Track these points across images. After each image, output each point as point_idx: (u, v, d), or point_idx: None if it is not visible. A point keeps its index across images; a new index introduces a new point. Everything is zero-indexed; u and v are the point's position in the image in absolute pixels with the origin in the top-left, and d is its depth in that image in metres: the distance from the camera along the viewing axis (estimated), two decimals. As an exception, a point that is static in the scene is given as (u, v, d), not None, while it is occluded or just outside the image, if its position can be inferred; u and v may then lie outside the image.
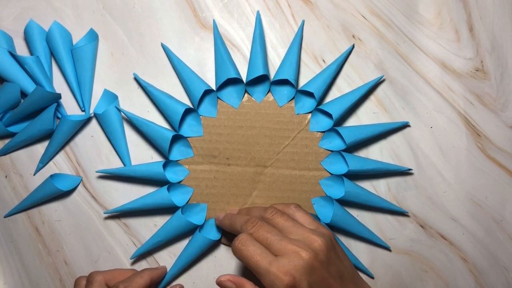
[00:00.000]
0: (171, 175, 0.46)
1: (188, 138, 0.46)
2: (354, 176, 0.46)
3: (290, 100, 0.46)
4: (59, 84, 0.47)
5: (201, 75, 0.46)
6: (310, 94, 0.45)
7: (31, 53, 0.46)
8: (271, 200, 0.46)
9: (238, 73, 0.45)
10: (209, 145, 0.46)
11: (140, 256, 0.47)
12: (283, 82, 0.45)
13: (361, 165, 0.45)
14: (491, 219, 0.47)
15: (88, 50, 0.46)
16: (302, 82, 0.47)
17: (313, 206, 0.46)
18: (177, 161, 0.46)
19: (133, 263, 0.48)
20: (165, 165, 0.45)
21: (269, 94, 0.46)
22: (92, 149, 0.47)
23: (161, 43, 0.47)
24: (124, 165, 0.47)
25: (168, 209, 0.46)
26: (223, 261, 0.47)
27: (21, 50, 0.47)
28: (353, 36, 0.47)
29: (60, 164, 0.47)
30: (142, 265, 0.48)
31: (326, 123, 0.46)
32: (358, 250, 0.47)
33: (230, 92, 0.46)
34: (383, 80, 0.47)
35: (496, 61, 0.47)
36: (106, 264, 0.47)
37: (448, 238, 0.47)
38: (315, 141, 0.46)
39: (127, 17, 0.47)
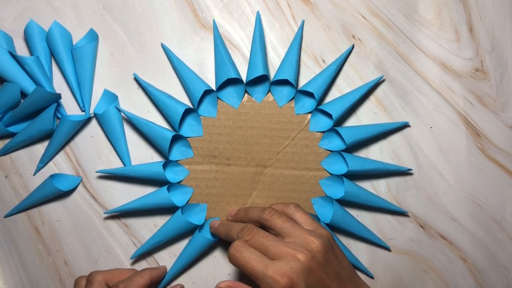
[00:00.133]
0: (171, 175, 0.46)
1: (188, 138, 0.46)
2: (354, 176, 0.46)
3: (290, 100, 0.46)
4: (59, 84, 0.47)
5: (201, 75, 0.46)
6: (310, 94, 0.45)
7: (31, 53, 0.46)
8: (271, 200, 0.46)
9: (238, 73, 0.45)
10: (209, 145, 0.46)
11: (140, 256, 0.47)
12: (283, 82, 0.45)
13: (361, 165, 0.45)
14: (491, 219, 0.47)
15: (88, 50, 0.46)
16: (302, 82, 0.47)
17: (313, 206, 0.46)
18: (177, 161, 0.46)
19: (133, 263, 0.48)
20: (165, 165, 0.45)
21: (269, 94, 0.46)
22: (92, 149, 0.47)
23: (161, 43, 0.47)
24: (124, 165, 0.47)
25: (168, 209, 0.46)
26: (223, 261, 0.47)
27: (21, 50, 0.47)
28: (353, 36, 0.47)
29: (60, 164, 0.47)
30: (142, 265, 0.48)
31: (326, 123, 0.46)
32: (358, 250, 0.47)
33: (230, 92, 0.46)
34: (383, 80, 0.47)
35: (496, 61, 0.47)
36: (106, 264, 0.47)
37: (448, 238, 0.47)
38: (315, 141, 0.46)
39: (127, 17, 0.47)
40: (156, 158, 0.47)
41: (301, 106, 0.46)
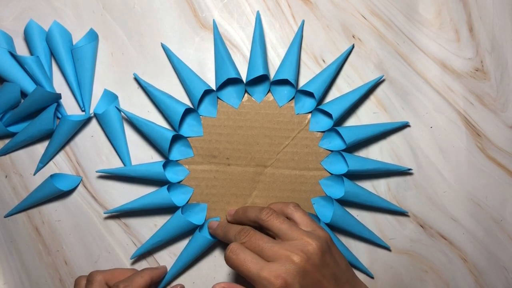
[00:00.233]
0: (171, 175, 0.46)
1: (188, 138, 0.46)
2: (354, 176, 0.46)
3: (290, 100, 0.46)
4: (59, 84, 0.47)
5: (201, 75, 0.46)
6: (310, 94, 0.45)
7: (31, 53, 0.46)
8: (271, 200, 0.46)
9: (238, 73, 0.45)
10: (209, 145, 0.46)
11: (140, 256, 0.47)
12: (283, 82, 0.45)
13: (361, 165, 0.45)
14: (491, 219, 0.47)
15: (88, 50, 0.46)
16: (302, 82, 0.47)
17: (313, 206, 0.46)
18: (177, 161, 0.46)
19: (133, 263, 0.48)
20: (165, 165, 0.45)
21: (269, 94, 0.46)
22: (92, 149, 0.47)
23: (161, 43, 0.47)
24: (124, 165, 0.47)
25: (168, 209, 0.46)
26: (223, 261, 0.47)
27: (21, 50, 0.47)
28: (353, 36, 0.47)
29: (60, 164, 0.47)
30: (142, 265, 0.48)
31: (326, 123, 0.46)
32: (358, 250, 0.47)
33: (230, 92, 0.46)
34: (383, 80, 0.47)
35: (496, 61, 0.47)
36: (106, 264, 0.47)
37: (448, 238, 0.47)
38: (315, 141, 0.46)
39: (127, 17, 0.47)
40: (156, 158, 0.47)
41: (301, 106, 0.46)
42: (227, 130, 0.46)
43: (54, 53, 0.46)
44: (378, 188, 0.47)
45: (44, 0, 0.47)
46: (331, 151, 0.46)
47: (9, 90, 0.44)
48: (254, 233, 0.38)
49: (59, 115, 0.47)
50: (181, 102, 0.46)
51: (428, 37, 0.47)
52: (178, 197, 0.45)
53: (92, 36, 0.47)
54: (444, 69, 0.47)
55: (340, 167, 0.45)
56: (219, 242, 0.47)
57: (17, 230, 0.48)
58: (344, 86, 0.47)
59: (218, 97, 0.46)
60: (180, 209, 0.45)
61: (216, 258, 0.47)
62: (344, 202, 0.46)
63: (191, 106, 0.46)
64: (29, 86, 0.46)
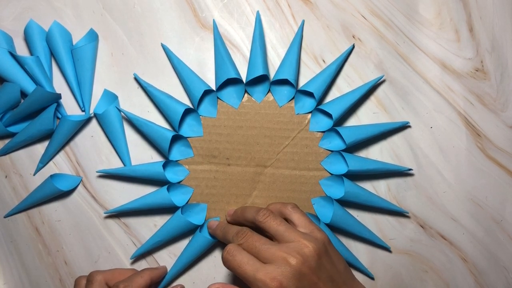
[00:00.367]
0: (171, 175, 0.46)
1: (188, 138, 0.46)
2: (354, 176, 0.46)
3: (290, 100, 0.46)
4: (59, 84, 0.47)
5: (201, 75, 0.46)
6: (310, 94, 0.45)
7: (31, 53, 0.46)
8: (271, 200, 0.46)
9: (238, 73, 0.45)
10: (209, 145, 0.46)
11: (140, 256, 0.47)
12: (283, 82, 0.45)
13: (361, 165, 0.45)
14: (491, 219, 0.47)
15: (88, 50, 0.46)
16: (302, 82, 0.47)
17: (313, 206, 0.46)
18: (177, 161, 0.46)
19: (133, 263, 0.48)
20: (165, 165, 0.45)
21: (269, 94, 0.46)
22: (92, 149, 0.47)
23: (161, 43, 0.47)
24: (124, 165, 0.47)
25: (168, 209, 0.46)
26: (223, 261, 0.47)
27: (21, 50, 0.47)
28: (353, 36, 0.47)
29: (60, 164, 0.47)
30: (142, 265, 0.48)
31: (326, 123, 0.46)
32: (358, 250, 0.47)
33: (230, 92, 0.46)
34: (383, 80, 0.47)
35: (496, 61, 0.47)
36: (106, 264, 0.47)
37: (448, 238, 0.47)
38: (315, 141, 0.46)
39: (127, 17, 0.47)
40: (156, 158, 0.47)
41: (301, 106, 0.46)
42: (227, 130, 0.46)
43: (54, 53, 0.46)
44: (378, 188, 0.47)
45: (44, 0, 0.47)
46: (331, 151, 0.46)
47: (9, 90, 0.44)
48: (251, 235, 0.38)
49: (59, 115, 0.47)
50: (181, 102, 0.46)
51: (428, 37, 0.47)
52: (178, 197, 0.45)
53: (92, 36, 0.47)
54: (444, 69, 0.47)
55: (340, 167, 0.45)
56: (219, 242, 0.47)
57: (17, 230, 0.48)
58: (344, 86, 0.47)
59: (218, 97, 0.46)
60: (180, 209, 0.45)
61: (216, 258, 0.47)
62: (344, 202, 0.46)
63: (191, 106, 0.46)
64: (29, 86, 0.46)
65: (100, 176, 0.47)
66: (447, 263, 0.47)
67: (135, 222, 0.47)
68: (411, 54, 0.47)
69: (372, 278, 0.47)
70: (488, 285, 0.47)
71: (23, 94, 0.46)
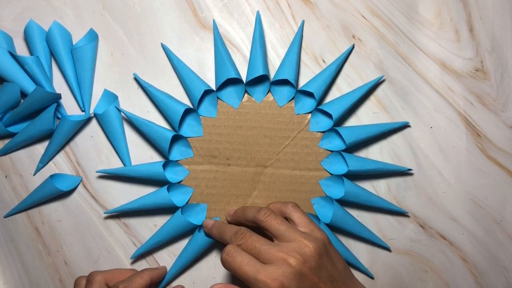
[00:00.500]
0: (171, 175, 0.46)
1: (188, 138, 0.46)
2: (354, 176, 0.46)
3: (290, 100, 0.46)
4: (59, 84, 0.47)
5: (201, 75, 0.46)
6: (310, 94, 0.45)
7: (31, 53, 0.46)
8: (271, 200, 0.46)
9: (238, 73, 0.45)
10: (209, 145, 0.46)
11: (140, 256, 0.47)
12: (283, 82, 0.45)
13: (361, 165, 0.45)
14: (491, 219, 0.47)
15: (88, 50, 0.46)
16: (302, 82, 0.47)
17: (313, 206, 0.46)
18: (177, 161, 0.46)
19: (133, 263, 0.48)
20: (165, 165, 0.45)
21: (269, 94, 0.46)
22: (92, 149, 0.47)
23: (161, 43, 0.47)
24: (124, 165, 0.47)
25: (168, 209, 0.46)
26: (223, 261, 0.47)
27: (21, 50, 0.47)
28: (353, 36, 0.47)
29: (60, 164, 0.47)
30: (142, 265, 0.48)
31: (326, 123, 0.46)
32: (358, 250, 0.47)
33: (230, 92, 0.46)
34: (383, 80, 0.47)
35: (496, 61, 0.47)
36: (106, 264, 0.47)
37: (448, 238, 0.47)
38: (315, 141, 0.46)
39: (127, 17, 0.47)
40: (156, 158, 0.47)
41: (301, 106, 0.46)
42: (227, 130, 0.46)
43: (54, 53, 0.46)
44: (378, 188, 0.47)
45: (44, 0, 0.47)
46: (331, 151, 0.46)
47: (9, 90, 0.44)
48: (251, 235, 0.38)
49: (59, 115, 0.47)
50: (181, 102, 0.46)
51: (428, 37, 0.47)
52: (178, 197, 0.45)
53: (92, 36, 0.47)
54: (444, 69, 0.47)
55: (340, 167, 0.45)
56: (219, 242, 0.47)
57: (17, 230, 0.48)
58: (344, 86, 0.47)
59: (218, 97, 0.46)
60: (180, 209, 0.45)
61: (216, 258, 0.47)
62: (344, 202, 0.46)
63: (191, 106, 0.46)
64: (29, 86, 0.46)
65: (100, 176, 0.47)
66: (447, 263, 0.47)
67: (135, 222, 0.47)
68: (411, 54, 0.47)
69: (372, 278, 0.47)
70: (488, 285, 0.47)
71: (23, 94, 0.46)
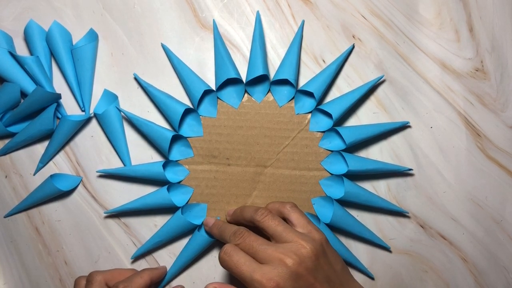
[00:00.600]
0: (171, 175, 0.46)
1: (188, 138, 0.46)
2: (354, 176, 0.46)
3: (290, 100, 0.46)
4: (59, 84, 0.47)
5: (201, 75, 0.46)
6: (310, 94, 0.45)
7: (31, 53, 0.46)
8: (271, 200, 0.46)
9: (238, 73, 0.45)
10: (209, 145, 0.46)
11: (140, 256, 0.47)
12: (283, 82, 0.45)
13: (361, 165, 0.45)
14: (491, 219, 0.47)
15: (88, 50, 0.46)
16: (302, 82, 0.47)
17: (313, 206, 0.46)
18: (177, 161, 0.46)
19: (133, 263, 0.48)
20: (165, 165, 0.45)
21: (269, 94, 0.46)
22: (92, 149, 0.47)
23: (161, 43, 0.47)
24: (124, 165, 0.47)
25: (168, 209, 0.46)
26: (223, 261, 0.47)
27: (21, 50, 0.47)
28: (353, 36, 0.47)
29: (60, 164, 0.47)
30: (142, 265, 0.48)
31: (326, 123, 0.46)
32: (358, 250, 0.47)
33: (230, 92, 0.46)
34: (383, 80, 0.47)
35: (496, 61, 0.47)
36: (106, 264, 0.47)
37: (448, 238, 0.47)
38: (315, 141, 0.46)
39: (127, 17, 0.47)
40: (156, 158, 0.47)
41: (301, 106, 0.46)
42: (227, 130, 0.46)
43: (54, 53, 0.46)
44: (378, 188, 0.47)
45: (44, 0, 0.47)
46: (331, 151, 0.46)
47: (9, 90, 0.44)
48: (249, 235, 0.38)
49: (59, 115, 0.47)
50: (181, 102, 0.46)
51: (428, 37, 0.47)
52: (178, 197, 0.45)
53: (92, 36, 0.47)
54: (444, 69, 0.47)
55: (340, 167, 0.45)
56: (219, 242, 0.47)
57: (17, 230, 0.48)
58: (344, 86, 0.47)
59: (218, 97, 0.46)
60: (180, 209, 0.45)
61: (216, 258, 0.47)
62: (344, 202, 0.46)
63: (191, 106, 0.46)
64: (29, 86, 0.46)
65: (100, 176, 0.47)
66: (447, 263, 0.47)
67: (135, 222, 0.47)
68: (411, 54, 0.47)
69: (372, 278, 0.47)
70: (488, 285, 0.47)
71: (23, 94, 0.46)
